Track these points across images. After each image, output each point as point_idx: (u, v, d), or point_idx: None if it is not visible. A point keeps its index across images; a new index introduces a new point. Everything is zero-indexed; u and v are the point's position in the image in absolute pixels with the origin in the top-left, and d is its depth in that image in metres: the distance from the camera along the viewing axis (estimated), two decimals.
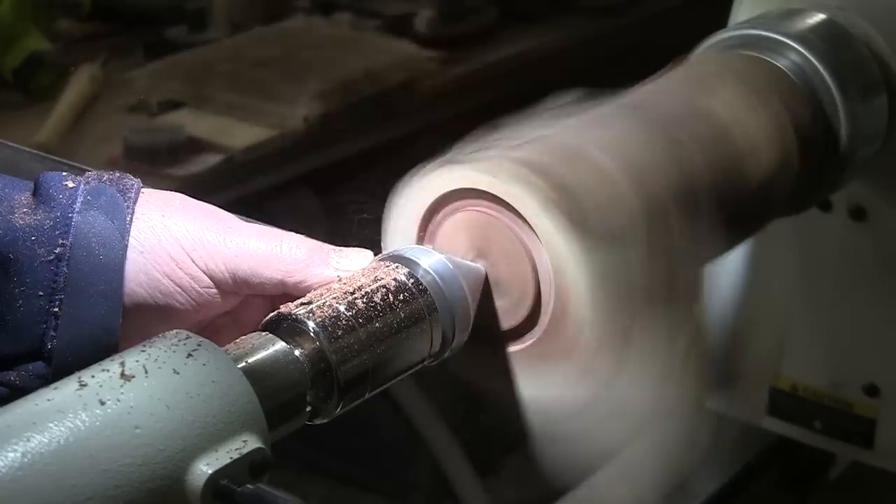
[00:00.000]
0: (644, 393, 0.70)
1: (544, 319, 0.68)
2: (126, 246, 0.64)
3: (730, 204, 0.80)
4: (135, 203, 0.66)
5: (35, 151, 0.85)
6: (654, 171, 0.74)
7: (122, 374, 0.55)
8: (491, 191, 0.68)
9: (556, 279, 0.67)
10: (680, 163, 0.76)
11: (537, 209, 0.66)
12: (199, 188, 1.72)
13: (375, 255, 0.69)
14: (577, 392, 0.67)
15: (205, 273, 0.66)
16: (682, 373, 0.73)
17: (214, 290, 0.66)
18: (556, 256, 0.66)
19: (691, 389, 0.75)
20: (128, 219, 0.65)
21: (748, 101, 0.84)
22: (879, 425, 1.13)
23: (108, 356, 0.57)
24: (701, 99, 0.83)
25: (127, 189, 0.66)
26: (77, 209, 0.64)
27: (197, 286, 0.66)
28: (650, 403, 0.71)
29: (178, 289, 0.66)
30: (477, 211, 0.69)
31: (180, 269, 0.65)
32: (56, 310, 0.62)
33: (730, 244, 0.85)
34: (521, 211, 0.67)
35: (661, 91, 0.84)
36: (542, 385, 0.68)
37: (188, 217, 0.67)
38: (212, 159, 1.80)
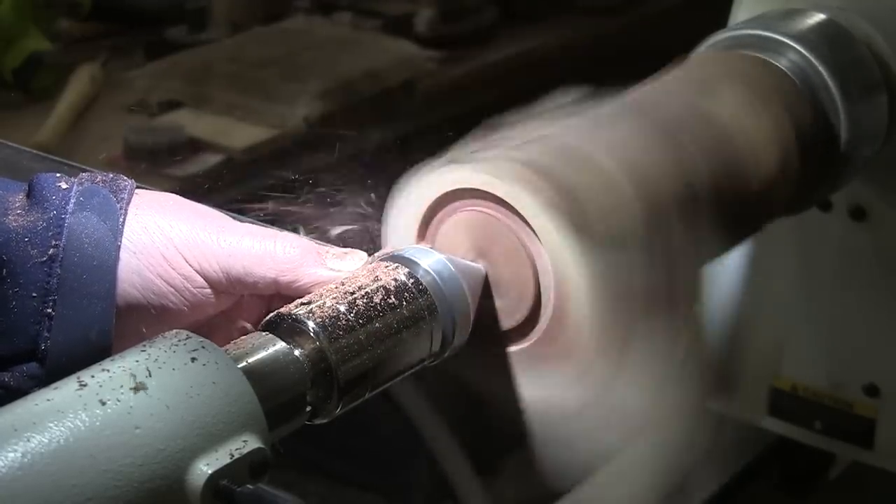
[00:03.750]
0: (643, 395, 0.70)
1: (544, 320, 0.68)
2: (119, 247, 0.64)
3: (730, 205, 0.80)
4: (128, 204, 0.66)
5: (35, 151, 0.85)
6: (655, 172, 0.74)
7: (123, 376, 0.55)
8: (492, 191, 0.68)
9: (556, 280, 0.67)
10: (681, 164, 0.76)
11: (537, 209, 0.66)
12: (200, 188, 1.72)
13: (372, 255, 0.69)
14: (575, 393, 0.67)
15: (198, 273, 0.66)
16: (681, 375, 0.73)
17: (208, 290, 0.66)
18: (556, 257, 0.66)
19: (690, 391, 0.75)
20: (120, 220, 0.65)
21: (749, 102, 0.84)
22: (879, 425, 1.13)
23: (102, 357, 0.57)
24: (702, 100, 0.83)
25: (120, 190, 0.66)
26: (70, 210, 0.64)
27: (190, 286, 0.66)
28: (649, 406, 0.71)
29: (172, 289, 0.66)
30: (477, 211, 0.69)
31: (173, 269, 0.65)
32: (49, 311, 0.62)
33: (730, 245, 0.85)
34: (522, 211, 0.67)
35: (662, 92, 0.84)
36: (541, 386, 0.68)
37: (181, 217, 0.67)
38: (212, 159, 1.80)
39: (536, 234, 0.67)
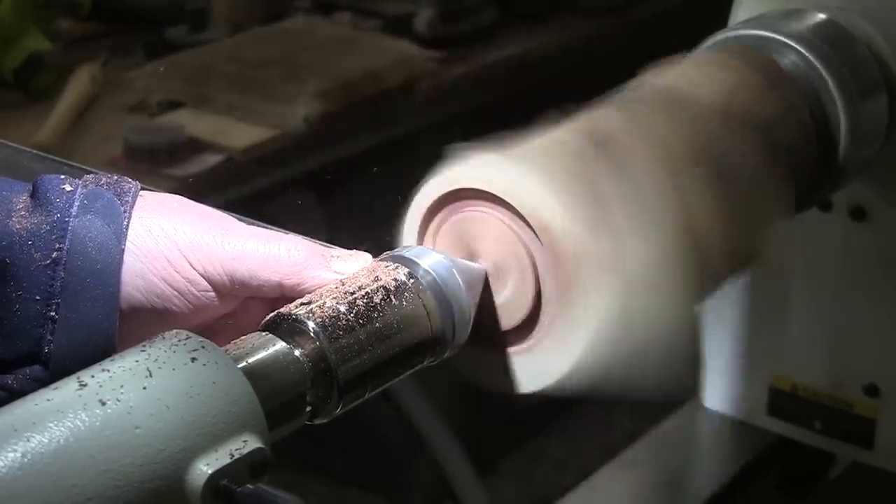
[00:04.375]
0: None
1: (545, 315, 0.68)
2: (122, 250, 0.64)
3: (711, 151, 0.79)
4: (132, 207, 0.66)
5: (35, 151, 0.85)
6: (625, 132, 0.74)
7: (123, 375, 0.55)
8: (490, 191, 0.68)
9: (549, 246, 0.67)
10: (648, 126, 0.76)
11: (535, 206, 0.67)
12: (200, 188, 1.72)
13: (377, 256, 0.69)
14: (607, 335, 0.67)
15: (202, 276, 0.66)
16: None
17: (212, 294, 0.66)
18: (535, 215, 0.67)
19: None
20: (125, 223, 0.65)
21: (715, 66, 0.85)
22: (879, 425, 1.13)
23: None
24: (663, 80, 0.84)
25: (124, 192, 0.66)
26: (74, 213, 0.64)
27: (194, 289, 0.66)
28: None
29: (175, 292, 0.65)
30: (476, 211, 0.69)
31: (177, 272, 0.65)
32: (53, 314, 0.62)
33: (737, 221, 0.83)
34: (519, 208, 0.67)
35: (654, 86, 0.85)
36: (570, 355, 0.68)
37: (186, 220, 0.67)
38: (212, 159, 1.80)
39: (534, 230, 0.67)
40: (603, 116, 0.77)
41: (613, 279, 0.67)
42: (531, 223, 0.67)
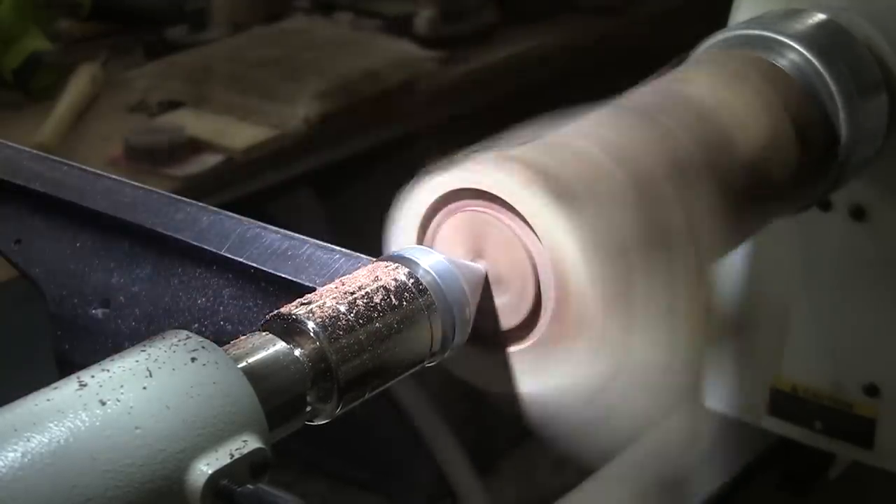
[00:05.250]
0: (656, 357, 0.70)
1: (545, 315, 0.68)
2: None
3: (722, 174, 0.79)
4: None
5: (35, 151, 0.84)
6: (635, 146, 0.74)
7: (122, 375, 0.55)
8: (488, 190, 0.68)
9: (553, 261, 0.67)
10: (662, 139, 0.76)
11: (533, 204, 0.67)
12: (199, 188, 1.72)
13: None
14: (591, 374, 0.67)
15: None
16: (690, 326, 0.72)
17: None
18: (547, 234, 0.66)
19: (702, 341, 0.75)
20: None
21: (730, 83, 0.85)
22: (879, 425, 1.13)
23: None
24: (683, 87, 0.84)
25: None
26: None
27: None
28: (663, 369, 0.71)
29: None
30: (475, 211, 0.69)
31: None
32: None
33: (735, 224, 0.83)
34: (518, 207, 0.67)
35: (647, 87, 0.85)
36: (554, 375, 0.68)
37: None
38: (212, 159, 1.80)
39: (534, 231, 0.67)
40: (614, 124, 0.77)
41: (619, 324, 0.67)
42: (539, 234, 0.67)
